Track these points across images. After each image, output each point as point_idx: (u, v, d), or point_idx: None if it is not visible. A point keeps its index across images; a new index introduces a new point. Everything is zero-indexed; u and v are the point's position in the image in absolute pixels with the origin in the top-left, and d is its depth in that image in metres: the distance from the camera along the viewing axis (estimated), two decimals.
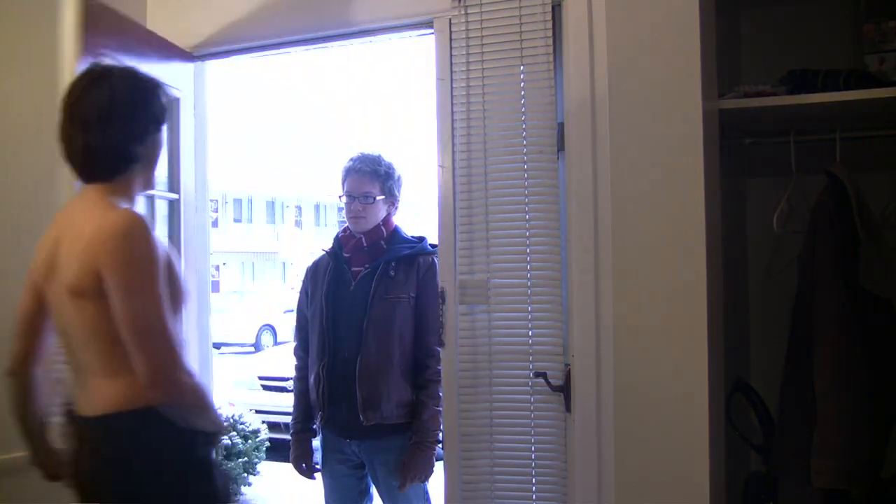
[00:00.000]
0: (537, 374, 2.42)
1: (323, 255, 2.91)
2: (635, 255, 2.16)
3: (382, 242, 2.80)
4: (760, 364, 2.52)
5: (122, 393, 1.72)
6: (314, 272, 2.90)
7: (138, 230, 1.68)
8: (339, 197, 2.84)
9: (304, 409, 2.87)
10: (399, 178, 2.86)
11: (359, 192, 2.77)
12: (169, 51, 2.86)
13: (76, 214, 1.78)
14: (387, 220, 2.83)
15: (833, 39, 2.43)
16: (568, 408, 2.40)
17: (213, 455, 1.86)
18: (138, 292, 1.66)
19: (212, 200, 3.39)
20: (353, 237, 2.83)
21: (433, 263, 2.75)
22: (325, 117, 33.33)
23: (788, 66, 2.25)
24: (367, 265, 2.77)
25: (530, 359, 2.46)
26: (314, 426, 2.87)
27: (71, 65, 2.30)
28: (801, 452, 2.12)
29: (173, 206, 2.89)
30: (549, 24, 2.42)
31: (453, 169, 2.53)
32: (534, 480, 2.47)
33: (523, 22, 2.45)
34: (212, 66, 3.11)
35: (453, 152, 2.53)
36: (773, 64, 2.36)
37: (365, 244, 2.80)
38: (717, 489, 2.09)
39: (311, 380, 2.79)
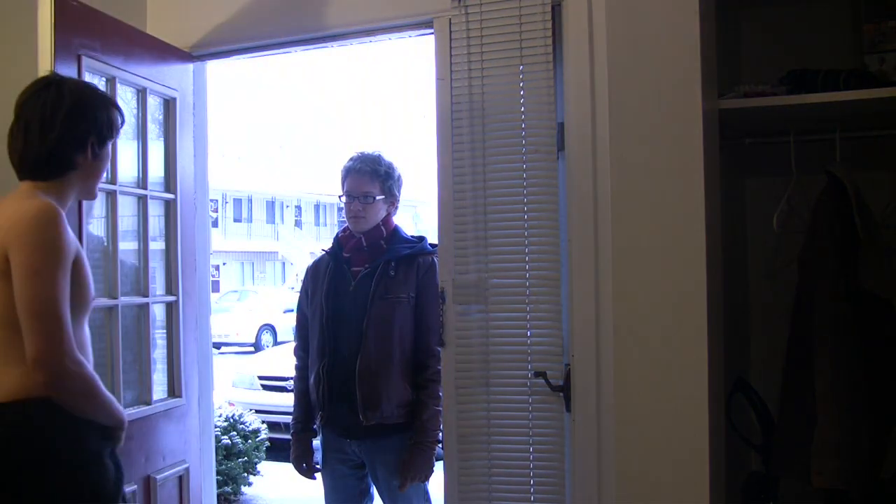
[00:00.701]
0: (537, 374, 2.42)
1: (323, 255, 2.90)
2: (635, 255, 2.16)
3: (382, 242, 2.78)
4: (760, 364, 2.52)
5: (19, 382, 1.75)
6: (314, 272, 2.89)
7: (48, 218, 1.76)
8: (339, 197, 2.84)
9: (304, 409, 2.87)
10: (399, 177, 2.84)
11: (358, 191, 2.76)
12: (165, 51, 2.86)
13: (6, 207, 1.85)
14: (386, 220, 2.82)
15: (833, 39, 2.43)
16: (568, 407, 2.40)
17: (110, 449, 1.88)
18: (37, 275, 1.72)
19: (212, 200, 3.39)
20: (352, 237, 2.82)
21: (433, 263, 2.74)
22: (325, 117, 33.34)
23: (788, 66, 2.25)
24: (366, 265, 2.75)
25: (529, 359, 2.46)
26: (314, 426, 2.86)
27: (47, 67, 2.28)
28: (801, 452, 2.12)
29: (169, 206, 2.89)
30: (549, 24, 2.42)
31: (453, 169, 2.53)
32: (532, 482, 2.47)
33: (523, 22, 2.46)
34: (212, 66, 3.11)
35: (453, 152, 2.53)
36: (773, 64, 2.36)
37: (365, 244, 2.78)
38: (717, 489, 2.09)
39: (312, 379, 2.78)
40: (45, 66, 2.29)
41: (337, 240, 2.88)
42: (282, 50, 2.99)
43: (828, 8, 2.47)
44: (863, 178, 2.22)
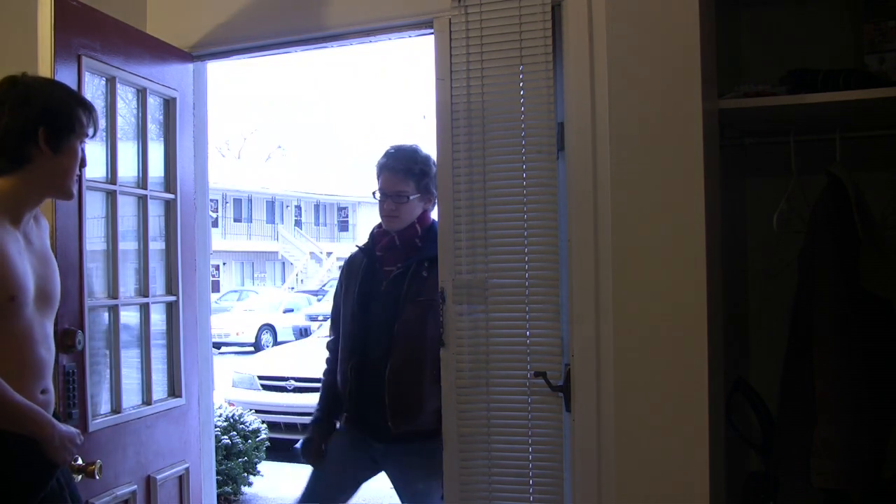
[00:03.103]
0: (537, 374, 2.42)
1: (357, 252, 2.81)
2: (635, 255, 2.16)
3: (417, 241, 2.68)
4: (760, 364, 2.52)
5: None
6: (349, 268, 2.80)
7: None
8: (373, 193, 2.73)
9: (329, 400, 2.77)
10: (436, 173, 2.66)
11: (392, 190, 2.66)
12: (165, 51, 2.86)
13: None
14: (423, 218, 2.71)
15: (833, 39, 2.43)
16: (568, 407, 2.40)
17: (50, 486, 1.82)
18: None
19: (212, 200, 3.39)
20: (386, 234, 2.73)
21: None
22: (326, 117, 33.35)
23: (788, 66, 2.25)
24: (399, 264, 2.66)
25: (528, 359, 2.46)
26: (336, 421, 2.78)
27: (47, 67, 2.28)
28: (801, 452, 2.12)
29: (169, 206, 2.89)
30: (549, 24, 2.42)
31: (453, 169, 2.53)
32: (531, 482, 2.47)
33: (523, 22, 2.46)
34: (212, 66, 3.11)
35: (453, 152, 2.53)
36: (773, 64, 2.36)
37: (398, 242, 2.69)
38: (717, 489, 2.09)
39: (340, 377, 2.71)
40: (45, 66, 2.29)
41: (372, 236, 2.79)
42: (282, 50, 2.99)
43: (828, 8, 2.48)
44: (863, 178, 2.23)
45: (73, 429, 1.91)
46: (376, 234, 2.76)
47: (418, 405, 2.56)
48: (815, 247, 2.17)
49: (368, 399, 2.60)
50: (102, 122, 2.57)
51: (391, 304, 2.61)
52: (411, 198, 2.66)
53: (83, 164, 1.98)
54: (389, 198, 2.66)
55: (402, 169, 2.66)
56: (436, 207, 2.63)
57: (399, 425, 2.56)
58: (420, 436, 2.58)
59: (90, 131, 1.97)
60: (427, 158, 2.70)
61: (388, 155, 2.71)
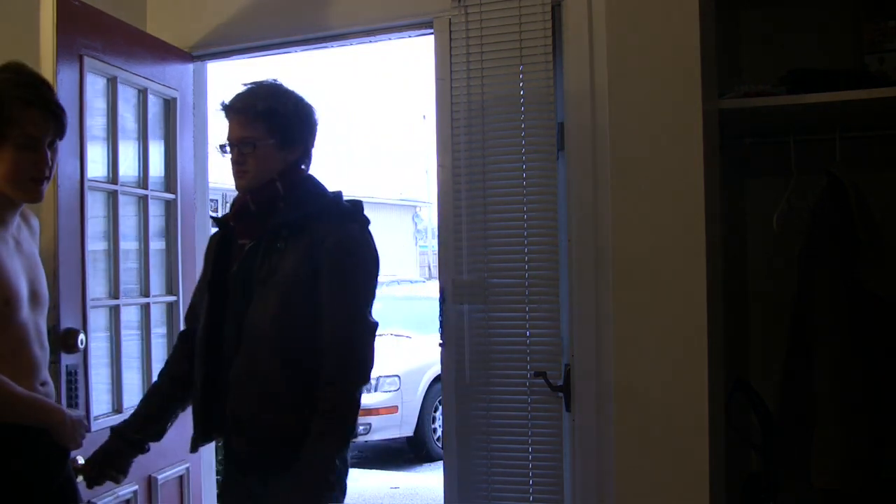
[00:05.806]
0: (537, 374, 2.42)
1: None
2: (635, 255, 2.16)
3: (279, 203, 2.00)
4: (760, 364, 2.52)
5: None
6: (209, 244, 2.20)
7: None
8: (220, 147, 2.05)
9: (145, 408, 2.12)
10: (299, 113, 2.05)
11: (235, 136, 2.00)
12: (166, 51, 2.86)
13: None
14: (287, 174, 2.02)
15: (833, 39, 2.43)
16: (568, 407, 2.40)
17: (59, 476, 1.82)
18: None
19: (212, 200, 3.38)
20: (241, 199, 2.06)
21: (346, 232, 1.97)
22: (325, 117, 33.30)
23: (788, 66, 2.25)
24: (254, 236, 2.01)
25: (528, 359, 2.46)
26: (145, 439, 2.10)
27: (49, 67, 2.27)
28: (801, 452, 2.12)
29: (170, 206, 2.89)
30: (549, 24, 2.43)
31: (453, 169, 2.54)
32: (531, 482, 2.47)
33: (523, 22, 2.46)
34: (212, 66, 3.11)
35: (453, 152, 2.54)
36: (773, 64, 2.36)
37: (252, 207, 2.01)
38: (717, 489, 2.09)
39: (195, 384, 2.06)
40: (47, 65, 2.29)
41: (233, 203, 2.11)
42: (282, 50, 2.99)
43: (828, 8, 2.47)
44: (863, 178, 2.22)
45: (80, 412, 1.92)
46: (236, 200, 2.10)
47: (257, 418, 1.92)
48: (815, 247, 2.17)
49: (220, 411, 2.00)
50: (103, 122, 2.58)
51: (242, 288, 1.99)
52: (259, 144, 1.97)
53: (42, 161, 1.79)
54: (235, 147, 2.00)
55: (242, 108, 2.00)
56: (436, 206, 2.63)
57: (240, 444, 1.97)
58: (274, 460, 1.92)
59: (43, 131, 1.79)
60: (280, 94, 2.03)
61: (234, 95, 2.06)
